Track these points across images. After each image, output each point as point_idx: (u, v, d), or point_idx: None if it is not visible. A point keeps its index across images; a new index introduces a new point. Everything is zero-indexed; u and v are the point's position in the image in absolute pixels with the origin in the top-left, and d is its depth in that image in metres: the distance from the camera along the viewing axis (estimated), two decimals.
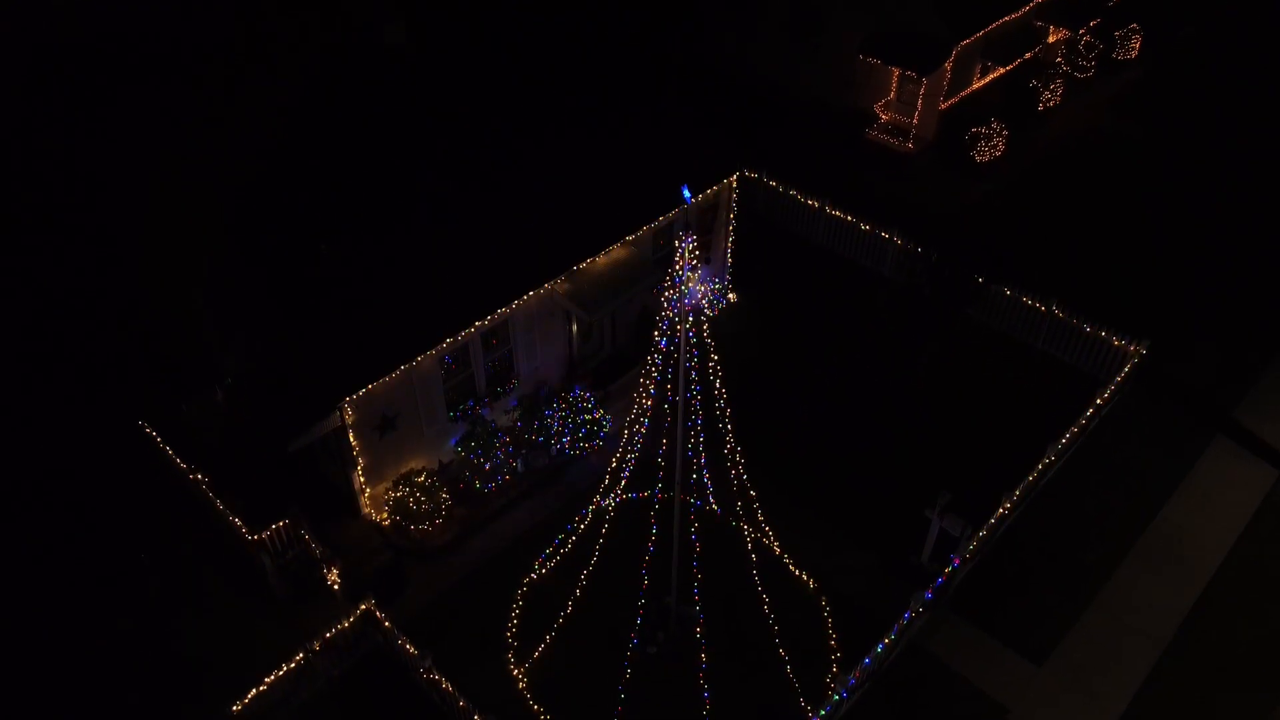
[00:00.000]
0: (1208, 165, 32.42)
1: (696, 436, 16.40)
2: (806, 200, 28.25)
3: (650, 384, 16.46)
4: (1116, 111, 35.32)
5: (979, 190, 31.08)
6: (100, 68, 23.13)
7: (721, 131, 25.07)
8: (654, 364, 16.16)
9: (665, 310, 14.67)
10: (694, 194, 22.45)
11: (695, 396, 15.43)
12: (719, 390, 16.19)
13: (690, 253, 13.48)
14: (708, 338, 15.47)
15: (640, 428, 18.48)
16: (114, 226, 21.85)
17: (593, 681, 17.93)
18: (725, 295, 26.56)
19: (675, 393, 15.45)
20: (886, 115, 33.21)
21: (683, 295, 13.97)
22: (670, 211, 22.36)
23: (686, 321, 14.32)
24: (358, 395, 18.46)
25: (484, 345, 20.82)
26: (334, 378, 18.46)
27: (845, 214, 27.53)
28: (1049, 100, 34.49)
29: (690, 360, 14.75)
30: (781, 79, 34.57)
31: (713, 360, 15.51)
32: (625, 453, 19.00)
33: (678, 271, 13.72)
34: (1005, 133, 31.66)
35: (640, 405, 17.05)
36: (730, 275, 26.55)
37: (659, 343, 15.45)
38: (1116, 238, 29.22)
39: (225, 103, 22.24)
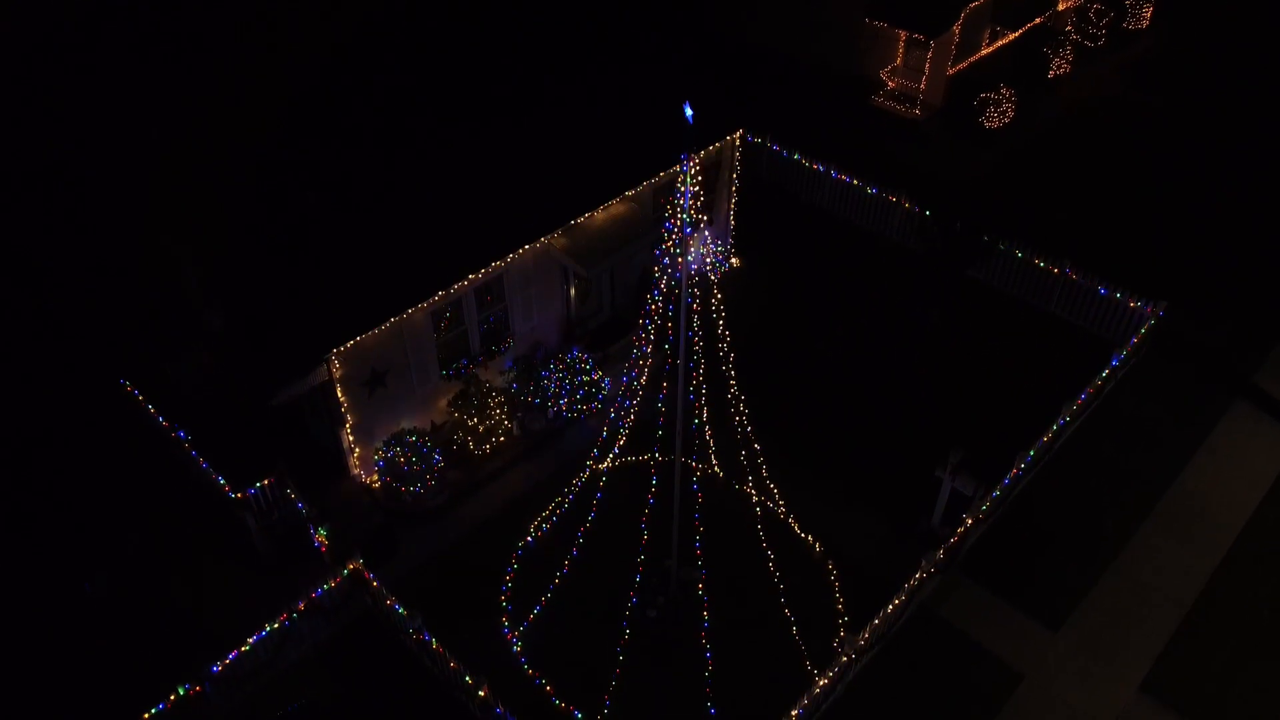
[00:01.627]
0: (1221, 135, 31.64)
1: (699, 398, 15.77)
2: (811, 164, 27.52)
3: (649, 345, 15.83)
4: (1128, 81, 34.54)
5: (988, 157, 30.31)
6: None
7: (724, 92, 24.30)
8: (653, 321, 15.52)
9: (666, 261, 14.06)
10: (699, 150, 21.73)
11: (698, 358, 14.83)
12: (725, 350, 15.53)
13: (693, 181, 12.77)
14: (713, 298, 14.86)
15: (639, 390, 17.90)
16: (92, 179, 21.10)
17: (589, 645, 17.20)
18: (728, 259, 25.81)
19: (676, 354, 14.78)
20: (893, 82, 32.44)
21: (685, 226, 13.22)
22: (671, 167, 21.65)
23: (689, 257, 13.62)
24: (345, 347, 17.72)
25: (478, 302, 20.07)
26: (321, 329, 17.72)
27: (852, 178, 26.80)
28: (1059, 68, 33.70)
29: (692, 317, 14.12)
30: (784, 46, 33.80)
31: (720, 321, 14.87)
32: (624, 415, 18.37)
33: (679, 205, 13.00)
34: (1015, 99, 30.89)
35: (639, 367, 16.45)
36: (733, 239, 25.81)
37: (654, 295, 14.82)
38: (1130, 205, 28.46)
39: (208, 46, 21.48)
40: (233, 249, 18.98)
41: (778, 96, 32.25)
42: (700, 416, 16.31)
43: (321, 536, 18.03)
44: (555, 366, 21.02)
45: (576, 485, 19.01)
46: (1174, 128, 31.95)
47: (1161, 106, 32.90)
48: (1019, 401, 21.97)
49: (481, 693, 15.37)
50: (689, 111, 11.82)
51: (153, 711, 15.09)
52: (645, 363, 16.27)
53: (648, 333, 15.86)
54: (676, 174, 22.17)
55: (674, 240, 13.71)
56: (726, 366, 15.94)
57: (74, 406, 20.75)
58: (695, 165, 12.74)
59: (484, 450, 20.41)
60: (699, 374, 15.22)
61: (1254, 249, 26.84)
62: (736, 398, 16.33)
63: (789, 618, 17.23)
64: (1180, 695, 17.16)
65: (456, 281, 18.90)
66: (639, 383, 17.65)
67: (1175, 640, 17.97)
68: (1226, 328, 24.41)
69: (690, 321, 14.12)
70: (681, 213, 13.14)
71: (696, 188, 12.91)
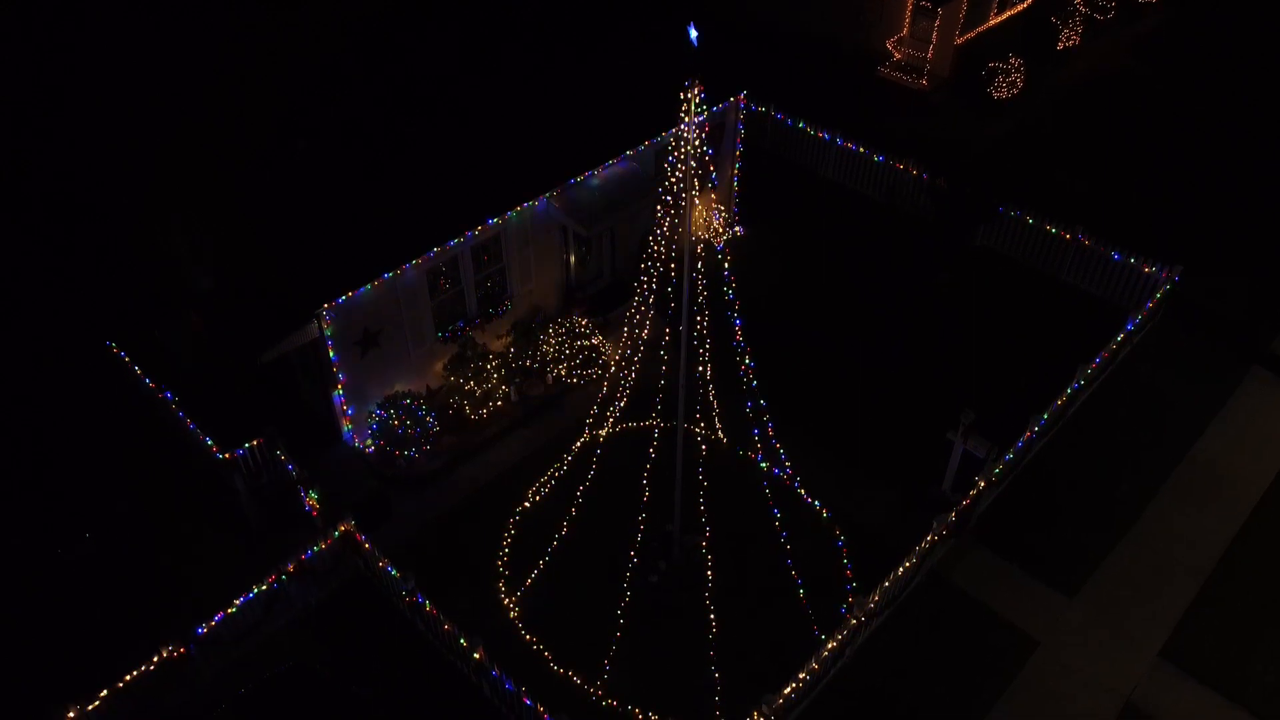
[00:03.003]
0: (1231, 109, 31.03)
1: (703, 362, 15.25)
2: (816, 132, 26.93)
3: (650, 310, 15.32)
4: (1137, 55, 33.91)
5: (997, 127, 29.70)
6: None
7: (727, 59, 23.70)
8: (654, 285, 15.03)
9: (667, 226, 13.59)
10: (704, 110, 21.15)
11: (702, 321, 14.34)
12: (733, 313, 14.99)
13: (697, 144, 12.27)
14: (720, 260, 14.36)
15: (639, 354, 17.36)
16: (80, 138, 20.56)
17: (589, 610, 16.63)
18: (732, 227, 25.22)
19: (679, 316, 14.26)
20: (899, 53, 31.82)
21: (691, 145, 12.64)
22: (672, 128, 21.05)
23: (694, 214, 13.11)
24: (336, 303, 17.14)
25: (475, 262, 19.49)
26: (311, 284, 17.15)
27: (858, 145, 26.21)
28: (1069, 40, 33.08)
29: (697, 268, 13.62)
30: (788, 17, 33.17)
31: (728, 288, 14.36)
32: (625, 380, 17.80)
33: (685, 134, 12.44)
34: (1024, 70, 30.28)
35: (640, 332, 15.93)
36: (737, 206, 25.22)
37: (654, 249, 14.32)
38: (1142, 173, 27.85)
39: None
40: (222, 204, 18.39)
41: (781, 67, 31.64)
42: (704, 377, 15.76)
43: (312, 500, 17.44)
44: (555, 331, 20.45)
45: (576, 450, 18.46)
46: (1184, 99, 31.34)
47: (1167, 81, 32.29)
48: (1032, 366, 21.39)
49: (477, 655, 14.80)
50: (693, 33, 11.25)
51: (135, 672, 14.53)
52: (646, 328, 15.79)
53: (649, 296, 15.36)
54: (679, 135, 21.73)
55: (677, 201, 13.29)
56: (733, 327, 15.39)
57: (60, 368, 20.18)
58: (698, 92, 12.17)
59: (481, 415, 19.83)
60: (703, 334, 14.73)
61: (1267, 220, 26.25)
62: (742, 358, 15.76)
63: (795, 581, 16.65)
64: (1199, 662, 16.59)
65: (452, 238, 18.33)
66: (640, 347, 17.17)
67: (1194, 607, 17.39)
68: (1243, 294, 23.83)
69: (695, 271, 13.62)
70: (687, 145, 12.58)
71: (702, 118, 12.36)
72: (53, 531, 17.58)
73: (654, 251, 14.55)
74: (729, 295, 14.53)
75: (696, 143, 12.76)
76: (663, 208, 13.98)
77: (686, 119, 12.31)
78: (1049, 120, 30.16)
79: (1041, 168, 27.80)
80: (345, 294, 17.17)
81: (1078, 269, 23.33)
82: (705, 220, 23.43)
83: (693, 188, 13.08)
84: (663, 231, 14.12)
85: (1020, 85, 30.31)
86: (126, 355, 19.30)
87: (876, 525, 18.35)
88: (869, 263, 24.25)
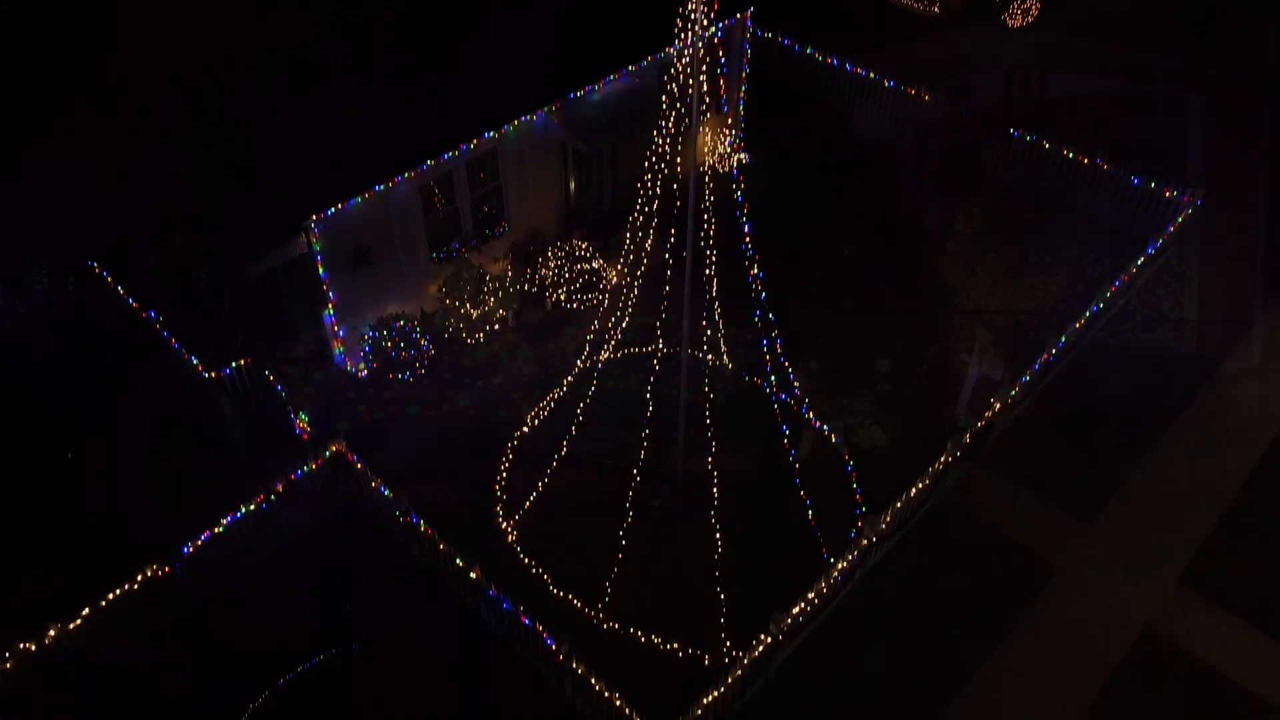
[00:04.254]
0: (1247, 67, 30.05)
1: (709, 287, 14.59)
2: (825, 59, 26.00)
3: (653, 234, 14.64)
4: None
5: (1012, 55, 28.71)
6: None
7: None
8: (656, 199, 14.32)
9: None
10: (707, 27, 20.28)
11: (707, 247, 13.68)
12: (747, 241, 14.31)
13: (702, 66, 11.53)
14: (720, 187, 13.67)
15: (639, 280, 16.70)
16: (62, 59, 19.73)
17: (589, 535, 16.06)
18: (738, 153, 24.38)
19: (684, 241, 13.58)
20: None
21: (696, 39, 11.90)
22: (675, 45, 20.19)
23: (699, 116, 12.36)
24: (325, 216, 16.40)
25: (471, 179, 18.71)
26: (300, 196, 16.40)
27: (868, 71, 25.29)
28: None
29: (704, 188, 12.95)
30: None
31: (741, 212, 13.68)
32: (626, 304, 17.12)
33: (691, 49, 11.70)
34: None
35: (642, 255, 15.27)
36: (743, 132, 24.38)
37: (658, 169, 13.62)
38: (1163, 98, 26.97)
39: None
40: (209, 112, 17.54)
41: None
42: (710, 301, 15.07)
43: (302, 422, 16.81)
44: (554, 254, 19.73)
45: (575, 374, 17.82)
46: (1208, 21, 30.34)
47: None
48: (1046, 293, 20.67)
49: (473, 575, 14.22)
50: None
51: (118, 591, 13.97)
52: (647, 252, 15.14)
53: (652, 220, 14.68)
54: (682, 52, 20.88)
55: (682, 120, 12.64)
56: (740, 252, 14.68)
57: (44, 290, 19.46)
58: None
59: (477, 339, 19.15)
60: (708, 260, 14.09)
61: None
62: (753, 282, 15.03)
63: (804, 502, 16.05)
64: (1221, 588, 16.03)
65: (446, 151, 17.54)
66: (641, 272, 16.55)
67: (1216, 533, 16.81)
68: (1268, 219, 23.05)
69: (702, 188, 12.97)
70: (694, 37, 11.82)
71: (706, 34, 11.64)
72: (35, 452, 17.01)
73: (658, 172, 13.87)
74: (735, 207, 13.87)
75: (704, 54, 12.03)
76: (667, 128, 13.29)
77: (694, 29, 11.54)
78: (1063, 50, 29.16)
79: (1051, 97, 26.86)
80: (334, 207, 16.44)
81: (1094, 196, 22.51)
82: (712, 144, 22.63)
83: (700, 105, 12.37)
84: (667, 153, 13.45)
85: (1036, 13, 29.28)
86: (109, 276, 18.59)
87: (888, 449, 17.74)
88: (875, 192, 23.45)
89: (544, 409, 18.06)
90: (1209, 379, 19.36)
